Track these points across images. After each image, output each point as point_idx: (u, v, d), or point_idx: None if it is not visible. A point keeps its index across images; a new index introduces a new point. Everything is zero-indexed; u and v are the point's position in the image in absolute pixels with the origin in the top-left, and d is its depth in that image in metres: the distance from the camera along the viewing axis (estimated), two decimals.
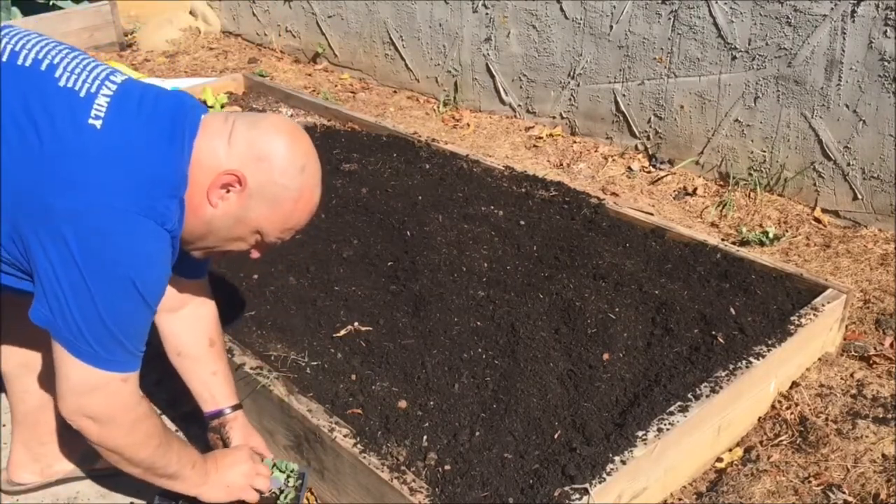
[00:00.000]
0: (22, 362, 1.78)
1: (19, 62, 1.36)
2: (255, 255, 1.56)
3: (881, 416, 1.98)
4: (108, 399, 1.38)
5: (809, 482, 1.82)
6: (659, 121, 3.37)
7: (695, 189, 3.20)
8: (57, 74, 1.36)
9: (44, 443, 1.88)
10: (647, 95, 3.37)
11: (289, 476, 1.77)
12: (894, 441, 1.90)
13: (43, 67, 1.36)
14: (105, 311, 1.31)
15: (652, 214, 2.80)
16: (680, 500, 1.84)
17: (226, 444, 1.78)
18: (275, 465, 1.79)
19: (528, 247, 2.55)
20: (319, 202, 1.52)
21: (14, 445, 1.87)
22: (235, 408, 1.81)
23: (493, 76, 3.97)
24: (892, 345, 2.26)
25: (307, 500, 1.86)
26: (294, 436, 1.87)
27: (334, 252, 2.56)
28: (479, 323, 2.18)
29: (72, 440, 1.95)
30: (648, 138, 3.44)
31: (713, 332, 2.06)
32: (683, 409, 1.78)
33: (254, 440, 1.81)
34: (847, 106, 2.78)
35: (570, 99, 3.67)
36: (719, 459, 1.93)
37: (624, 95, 3.45)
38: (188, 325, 1.79)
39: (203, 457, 1.63)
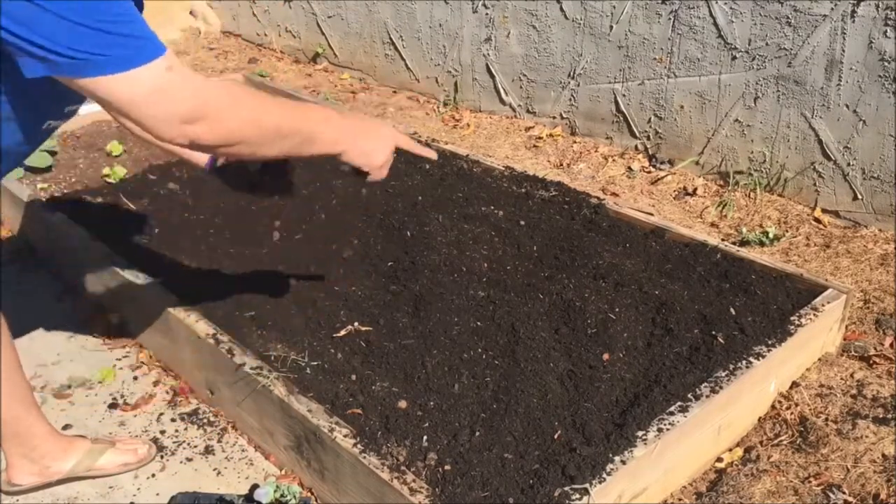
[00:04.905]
0: None
1: None
2: None
3: (881, 416, 1.98)
4: (174, 92, 1.26)
5: (809, 482, 1.82)
6: (659, 121, 3.37)
7: (695, 189, 3.20)
8: None
9: (35, 446, 1.87)
10: (647, 95, 3.37)
11: None
12: (894, 441, 1.90)
13: None
14: (65, 10, 1.16)
15: (652, 214, 2.80)
16: (680, 500, 1.84)
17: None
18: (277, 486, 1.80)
19: (528, 247, 2.55)
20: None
21: (8, 453, 1.87)
22: None
23: (493, 76, 3.97)
24: (892, 345, 2.26)
25: (308, 500, 1.86)
26: (294, 436, 1.87)
27: (334, 252, 2.56)
28: (479, 323, 2.18)
29: (69, 440, 1.95)
30: (648, 138, 3.44)
31: (713, 332, 2.07)
32: (683, 409, 1.78)
33: None
34: (847, 106, 2.78)
35: (570, 99, 3.67)
36: (719, 459, 1.93)
37: (624, 95, 3.45)
38: None
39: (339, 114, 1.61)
